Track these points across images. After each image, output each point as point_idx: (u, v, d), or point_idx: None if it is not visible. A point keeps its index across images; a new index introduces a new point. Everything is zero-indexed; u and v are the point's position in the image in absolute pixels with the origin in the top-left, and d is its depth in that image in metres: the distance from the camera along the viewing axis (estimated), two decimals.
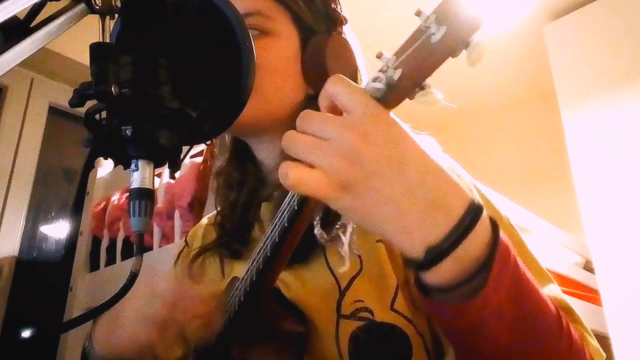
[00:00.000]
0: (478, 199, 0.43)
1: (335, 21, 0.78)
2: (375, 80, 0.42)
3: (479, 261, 0.42)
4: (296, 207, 0.51)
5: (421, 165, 0.41)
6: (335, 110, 0.43)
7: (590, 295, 1.96)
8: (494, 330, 0.44)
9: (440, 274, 0.42)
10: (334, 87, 0.43)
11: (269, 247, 0.56)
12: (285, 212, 0.53)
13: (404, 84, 0.41)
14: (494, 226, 0.44)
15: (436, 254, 0.41)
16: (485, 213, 0.43)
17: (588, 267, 2.12)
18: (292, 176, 0.40)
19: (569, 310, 0.61)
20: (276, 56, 0.73)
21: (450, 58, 0.40)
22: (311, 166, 0.41)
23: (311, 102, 0.75)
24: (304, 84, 0.75)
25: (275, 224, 0.55)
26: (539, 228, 1.90)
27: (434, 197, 0.41)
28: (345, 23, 0.80)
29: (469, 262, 0.42)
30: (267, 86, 0.72)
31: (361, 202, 0.41)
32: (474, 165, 0.72)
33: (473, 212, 0.42)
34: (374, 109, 0.41)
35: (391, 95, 0.42)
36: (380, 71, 0.42)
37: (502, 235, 0.44)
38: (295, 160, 0.42)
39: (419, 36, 0.40)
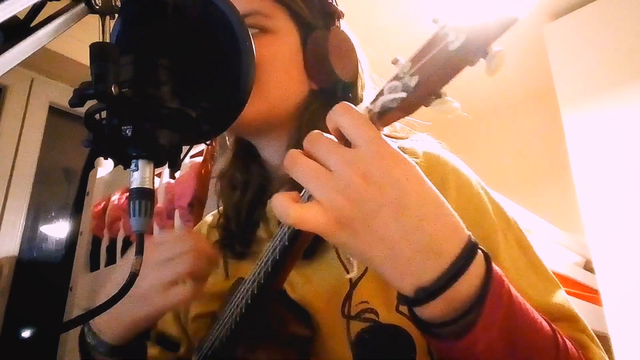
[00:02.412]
0: (474, 239, 0.44)
1: (332, 15, 0.78)
2: (391, 90, 0.41)
3: (470, 301, 0.43)
4: None
5: (419, 209, 0.41)
6: (342, 134, 0.43)
7: (590, 295, 1.96)
8: None
9: (430, 311, 0.43)
10: (340, 118, 0.43)
11: (277, 250, 0.55)
12: None
13: (420, 91, 0.40)
14: (488, 265, 0.44)
15: (425, 295, 0.42)
16: (480, 253, 0.44)
17: (588, 267, 2.12)
18: (293, 216, 0.41)
19: (575, 319, 0.61)
20: (277, 53, 0.74)
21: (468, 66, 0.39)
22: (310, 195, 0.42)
23: (315, 97, 0.76)
24: (307, 79, 0.76)
25: (284, 228, 0.55)
26: (539, 228, 1.90)
27: (428, 241, 0.41)
28: (342, 17, 0.80)
29: (460, 302, 0.43)
30: (271, 84, 0.72)
31: (357, 240, 0.42)
32: (474, 165, 0.71)
33: (466, 256, 0.42)
34: (378, 146, 0.41)
35: (407, 103, 0.41)
36: (395, 79, 0.42)
37: (496, 271, 0.45)
38: (292, 184, 0.43)
39: (437, 43, 0.39)
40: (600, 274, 1.89)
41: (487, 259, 0.45)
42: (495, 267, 0.45)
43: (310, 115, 0.73)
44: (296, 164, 0.43)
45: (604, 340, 1.76)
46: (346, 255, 0.66)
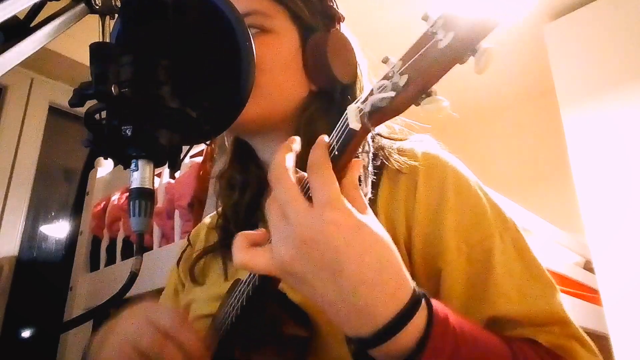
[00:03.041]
0: (415, 298, 0.45)
1: (332, 18, 0.78)
2: (380, 88, 0.42)
3: (410, 351, 0.44)
4: None
5: (355, 276, 0.44)
6: None
7: (590, 295, 1.96)
8: None
9: (374, 355, 0.45)
10: (311, 171, 0.46)
11: None
12: None
13: (410, 90, 0.40)
14: (430, 317, 0.46)
15: (362, 345, 0.45)
16: (420, 313, 0.45)
17: (588, 267, 2.12)
18: (240, 262, 0.48)
19: (566, 324, 0.60)
20: (277, 54, 0.74)
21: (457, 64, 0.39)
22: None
23: (314, 98, 0.75)
24: (306, 80, 0.75)
25: None
26: (539, 228, 1.90)
27: (364, 304, 0.44)
28: (343, 20, 0.80)
29: (400, 352, 0.45)
30: (269, 84, 0.72)
31: (300, 289, 0.47)
32: (474, 165, 0.71)
33: (401, 318, 0.44)
34: (330, 214, 0.44)
35: (397, 102, 0.41)
36: (385, 78, 0.42)
37: (440, 316, 0.46)
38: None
39: (426, 41, 0.39)
40: (600, 274, 1.89)
41: (430, 310, 0.46)
42: (440, 311, 0.46)
43: (309, 116, 0.73)
44: (271, 203, 0.48)
45: (604, 340, 1.76)
46: None
